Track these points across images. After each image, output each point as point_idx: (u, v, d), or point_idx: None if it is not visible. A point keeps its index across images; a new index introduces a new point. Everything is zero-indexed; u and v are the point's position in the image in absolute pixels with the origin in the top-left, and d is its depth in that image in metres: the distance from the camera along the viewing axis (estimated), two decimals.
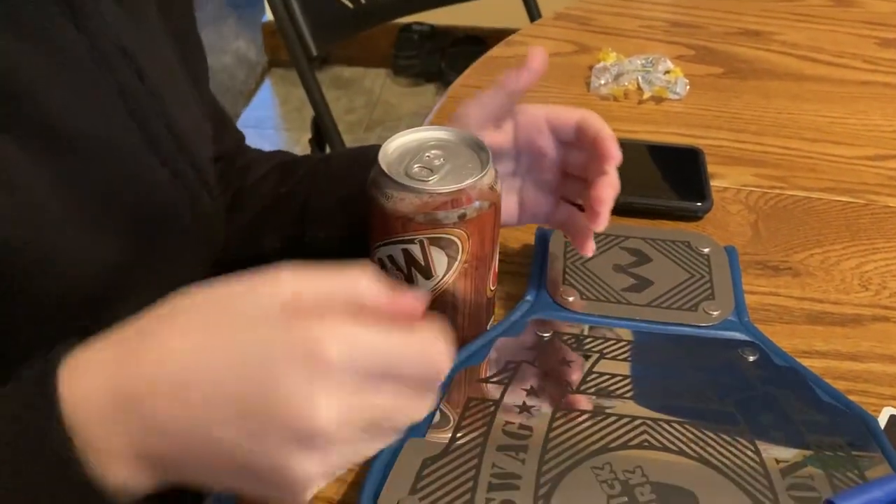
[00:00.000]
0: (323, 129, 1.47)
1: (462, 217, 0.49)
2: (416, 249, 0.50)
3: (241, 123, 2.28)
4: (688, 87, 0.89)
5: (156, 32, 0.55)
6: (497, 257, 0.55)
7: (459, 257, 0.51)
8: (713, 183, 0.76)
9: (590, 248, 0.56)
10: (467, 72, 0.95)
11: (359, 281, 0.34)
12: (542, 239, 0.65)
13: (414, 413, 0.34)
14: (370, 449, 0.34)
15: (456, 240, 0.50)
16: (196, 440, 0.33)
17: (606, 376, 0.52)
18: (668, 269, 0.62)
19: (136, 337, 0.34)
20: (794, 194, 0.75)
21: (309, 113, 1.39)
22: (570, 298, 0.59)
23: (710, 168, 0.77)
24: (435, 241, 0.50)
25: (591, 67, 0.92)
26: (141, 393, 0.33)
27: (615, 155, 0.54)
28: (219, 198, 0.57)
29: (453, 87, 0.92)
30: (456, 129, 0.53)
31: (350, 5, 1.43)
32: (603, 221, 0.54)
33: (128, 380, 0.33)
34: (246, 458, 0.32)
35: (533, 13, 1.49)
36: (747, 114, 0.86)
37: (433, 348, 0.34)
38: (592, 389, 0.51)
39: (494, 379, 0.52)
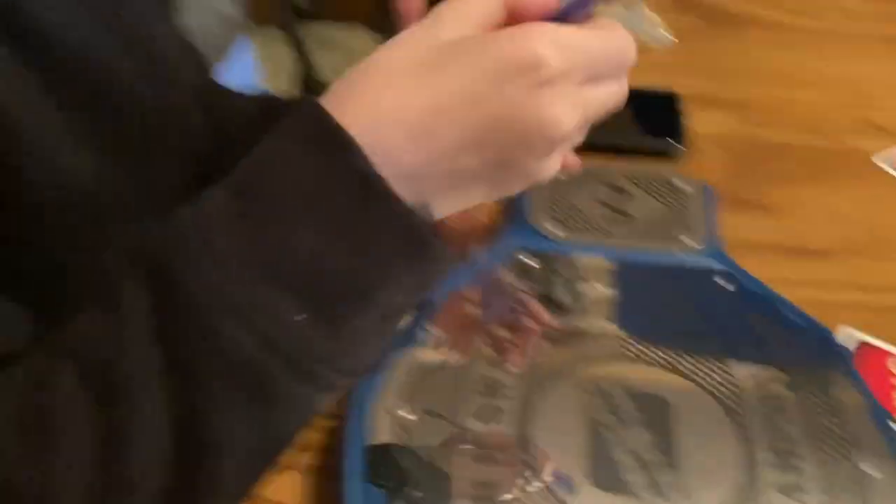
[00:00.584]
0: (312, 86, 1.48)
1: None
2: None
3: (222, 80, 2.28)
4: (668, 36, 0.91)
5: None
6: None
7: None
8: (692, 127, 0.78)
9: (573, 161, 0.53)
10: None
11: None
12: None
13: (620, 95, 0.39)
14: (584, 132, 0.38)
15: None
16: (445, 178, 0.35)
17: (587, 298, 0.55)
18: (647, 204, 0.65)
19: (360, 90, 0.35)
20: (769, 137, 0.78)
21: (287, 74, 1.39)
22: (553, 228, 0.62)
23: (690, 112, 0.80)
24: None
25: None
26: (387, 146, 0.34)
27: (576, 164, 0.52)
28: (207, 121, 0.58)
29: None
30: None
31: None
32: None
33: (372, 134, 0.34)
34: (499, 178, 0.36)
35: None
36: (729, 61, 0.89)
37: (626, 41, 0.38)
38: (573, 309, 0.54)
39: (480, 300, 0.54)
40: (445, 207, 0.36)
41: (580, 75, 0.35)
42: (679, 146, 0.74)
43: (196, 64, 0.62)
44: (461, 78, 0.34)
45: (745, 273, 0.59)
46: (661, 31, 0.91)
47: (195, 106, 0.56)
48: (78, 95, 0.46)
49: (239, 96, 0.70)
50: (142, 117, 0.51)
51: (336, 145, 0.33)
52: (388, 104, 0.34)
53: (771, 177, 0.73)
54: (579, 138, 0.38)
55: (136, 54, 0.51)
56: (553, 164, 0.37)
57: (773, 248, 0.65)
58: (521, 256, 0.59)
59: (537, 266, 0.58)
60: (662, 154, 0.74)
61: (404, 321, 0.44)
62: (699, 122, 0.79)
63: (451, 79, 0.34)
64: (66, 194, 0.46)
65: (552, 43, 0.34)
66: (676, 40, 0.91)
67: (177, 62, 0.55)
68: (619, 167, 0.70)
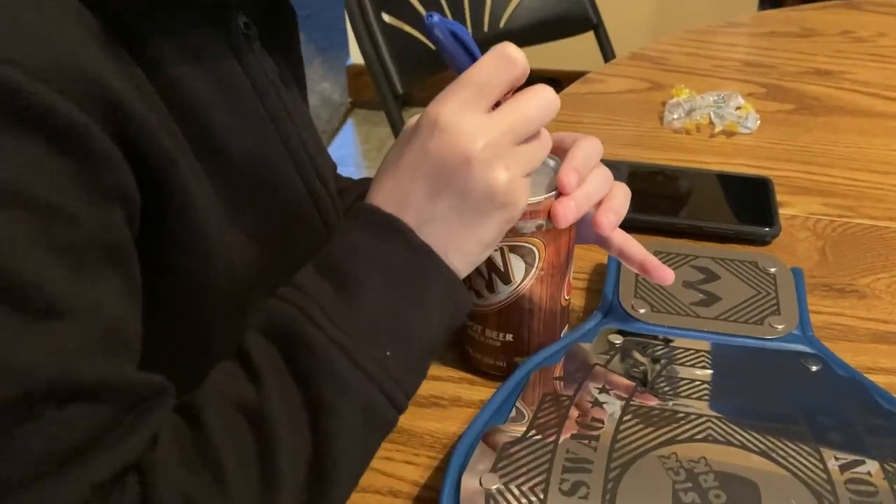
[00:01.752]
0: None
1: (539, 227, 0.54)
2: (496, 256, 0.55)
3: None
4: (758, 121, 0.92)
5: (285, 70, 0.63)
6: (571, 268, 0.59)
7: (536, 264, 0.56)
8: (782, 211, 0.79)
9: (669, 275, 0.59)
10: None
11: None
12: (615, 260, 0.68)
13: (545, 149, 0.50)
14: (537, 151, 0.49)
15: (533, 248, 0.55)
16: (442, 223, 0.47)
17: (675, 379, 0.56)
18: (735, 287, 0.65)
19: (380, 180, 0.49)
20: (862, 222, 0.77)
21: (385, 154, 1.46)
22: (642, 310, 0.63)
23: (779, 197, 0.80)
24: (514, 249, 0.55)
25: (664, 103, 0.96)
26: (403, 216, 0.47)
27: (667, 279, 0.58)
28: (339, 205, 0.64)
29: None
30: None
31: (433, 46, 1.51)
32: (668, 275, 0.58)
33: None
34: (478, 211, 0.47)
35: (607, 55, 1.55)
36: (816, 147, 0.89)
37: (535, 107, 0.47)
38: (661, 389, 0.55)
39: (568, 378, 0.56)
40: (465, 249, 0.48)
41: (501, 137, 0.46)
42: (771, 231, 0.75)
43: (328, 155, 0.68)
44: (407, 158, 0.47)
45: (837, 358, 0.59)
46: (752, 118, 0.92)
47: (331, 192, 0.61)
48: (247, 195, 0.54)
49: (348, 181, 0.77)
50: (297, 206, 0.58)
51: (393, 230, 0.46)
52: (389, 185, 0.48)
53: (862, 262, 0.72)
54: (519, 154, 0.47)
55: (295, 157, 0.58)
56: (503, 174, 0.46)
57: (866, 333, 0.65)
58: (610, 337, 0.60)
59: (626, 346, 0.60)
60: (755, 239, 0.75)
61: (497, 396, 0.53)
62: (791, 206, 0.80)
63: (402, 161, 0.47)
64: (226, 271, 0.51)
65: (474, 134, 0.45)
66: (767, 126, 0.92)
67: (320, 158, 0.61)
68: (709, 251, 0.70)
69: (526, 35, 1.61)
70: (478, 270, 0.57)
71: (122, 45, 0.45)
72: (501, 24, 1.62)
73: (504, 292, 0.57)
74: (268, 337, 0.44)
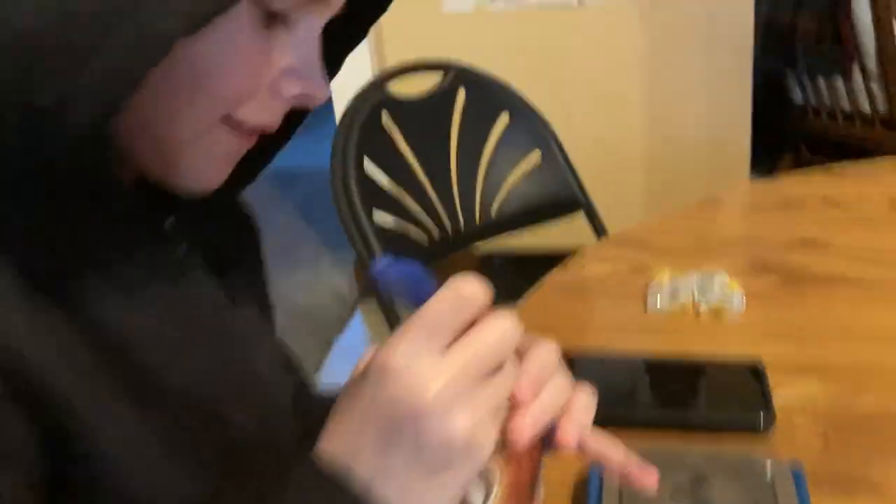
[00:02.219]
0: None
1: (496, 446, 0.50)
2: None
3: (335, 351, 2.38)
4: (744, 299, 0.89)
5: (242, 292, 0.60)
6: (539, 492, 0.54)
7: (496, 487, 0.51)
8: (777, 394, 0.73)
9: (652, 480, 0.54)
10: (532, 298, 0.97)
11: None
12: (596, 475, 0.63)
13: (511, 381, 0.45)
14: (500, 386, 0.45)
15: (492, 469, 0.50)
16: (398, 481, 0.42)
17: None
18: (730, 492, 0.60)
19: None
20: (865, 401, 0.72)
21: None
22: None
23: (773, 379, 0.75)
24: None
25: (647, 285, 0.94)
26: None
27: (653, 482, 0.53)
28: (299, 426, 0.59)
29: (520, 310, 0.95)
30: None
31: (425, 242, 1.52)
32: (652, 480, 0.53)
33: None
34: (428, 460, 0.42)
35: (599, 232, 1.55)
36: (809, 323, 0.85)
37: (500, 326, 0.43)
38: None
39: None
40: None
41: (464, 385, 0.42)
42: (766, 421, 0.69)
43: (293, 372, 0.64)
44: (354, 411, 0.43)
45: None
46: (737, 297, 0.89)
47: (293, 415, 0.57)
48: (190, 434, 0.50)
49: (326, 398, 0.73)
50: (247, 442, 0.53)
51: (341, 487, 0.42)
52: (340, 432, 0.44)
53: (869, 451, 0.66)
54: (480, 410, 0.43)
55: (243, 389, 0.54)
56: (463, 422, 0.41)
57: None
58: None
59: None
60: (749, 430, 0.69)
61: None
62: (785, 391, 0.75)
63: (351, 410, 0.43)
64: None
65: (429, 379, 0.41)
66: (755, 303, 0.89)
67: (277, 381, 0.58)
68: (697, 450, 0.65)
69: (517, 221, 1.62)
70: None
71: (39, 289, 0.44)
72: (493, 214, 1.64)
73: None
74: None
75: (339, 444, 0.43)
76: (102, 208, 0.46)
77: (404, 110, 1.56)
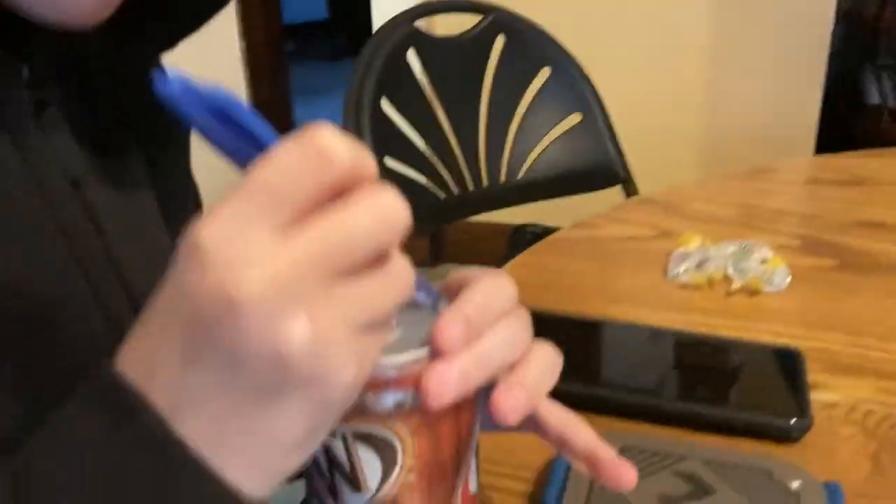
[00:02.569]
0: None
1: (401, 406, 0.34)
2: (338, 447, 0.35)
3: None
4: (789, 278, 0.72)
5: (130, 172, 0.48)
6: (471, 474, 0.39)
7: (401, 463, 0.35)
8: (817, 396, 0.57)
9: (630, 477, 0.39)
10: (530, 250, 0.82)
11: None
12: (563, 463, 0.48)
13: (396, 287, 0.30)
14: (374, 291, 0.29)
15: (393, 438, 0.35)
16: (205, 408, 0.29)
17: None
18: None
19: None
20: None
21: None
22: None
23: (814, 377, 0.59)
24: (364, 439, 0.35)
25: (669, 254, 0.77)
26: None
27: (628, 483, 0.38)
28: None
29: (512, 264, 0.79)
30: (434, 289, 0.39)
31: (440, 194, 1.38)
32: (628, 476, 0.38)
33: None
34: (248, 383, 0.28)
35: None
36: (868, 314, 0.68)
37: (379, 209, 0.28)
38: None
39: None
40: (251, 451, 0.29)
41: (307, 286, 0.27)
42: (799, 424, 0.53)
43: None
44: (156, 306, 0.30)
45: None
46: (780, 274, 0.72)
47: None
48: (20, 333, 0.39)
49: None
50: (89, 349, 0.41)
51: (126, 415, 0.29)
52: (138, 340, 0.30)
53: None
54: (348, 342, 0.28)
55: (95, 283, 0.43)
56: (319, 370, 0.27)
57: None
58: None
59: None
60: (776, 435, 0.53)
61: None
62: (830, 391, 0.58)
63: (155, 307, 0.30)
64: None
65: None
66: (800, 285, 0.72)
67: (147, 282, 0.45)
68: (703, 451, 0.49)
69: (547, 188, 1.48)
70: (318, 468, 0.37)
71: None
72: (520, 175, 1.49)
73: None
74: None
75: (134, 360, 0.29)
76: None
77: (434, 51, 1.41)
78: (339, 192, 0.29)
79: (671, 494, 0.45)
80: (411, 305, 0.37)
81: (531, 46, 1.49)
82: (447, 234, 2.48)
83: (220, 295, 0.26)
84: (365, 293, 0.29)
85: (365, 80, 1.32)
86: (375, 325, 0.30)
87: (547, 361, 0.38)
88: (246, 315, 0.26)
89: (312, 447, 0.31)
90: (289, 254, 0.27)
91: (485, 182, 1.46)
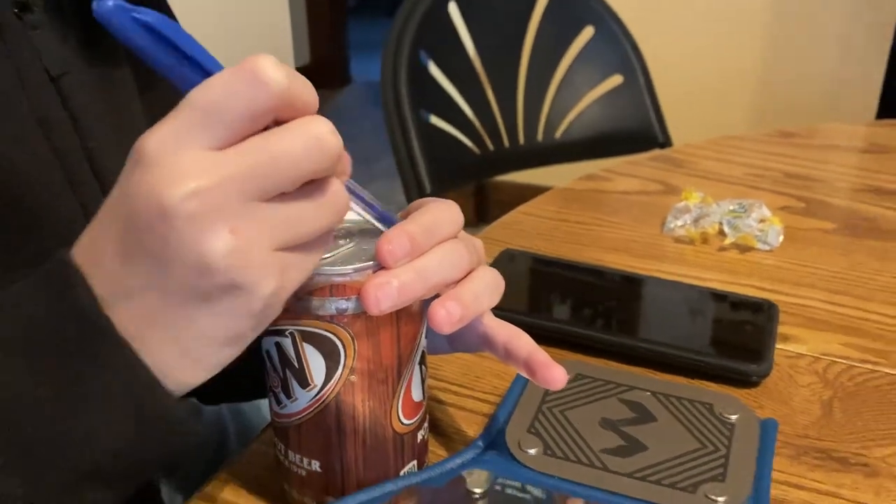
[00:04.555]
0: None
1: (342, 311, 0.38)
2: (287, 344, 0.39)
3: None
4: (781, 237, 0.73)
5: (117, 74, 0.51)
6: (414, 382, 0.42)
7: (343, 364, 0.39)
8: (786, 347, 0.59)
9: (558, 376, 0.42)
10: (536, 199, 0.84)
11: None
12: (522, 379, 0.51)
13: (328, 211, 0.33)
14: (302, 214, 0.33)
15: (335, 339, 0.39)
16: (134, 302, 0.32)
17: None
18: (672, 434, 0.47)
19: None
20: (891, 373, 0.57)
21: None
22: (531, 451, 0.45)
23: (788, 330, 0.61)
24: (309, 337, 0.39)
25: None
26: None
27: (555, 381, 0.41)
28: None
29: (516, 211, 0.82)
30: (390, 213, 0.42)
31: (476, 150, 1.40)
32: (558, 375, 0.41)
33: None
34: (177, 283, 0.31)
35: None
36: (853, 275, 0.69)
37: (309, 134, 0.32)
38: None
39: None
40: (182, 343, 0.33)
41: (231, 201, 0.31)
42: (759, 369, 0.55)
43: None
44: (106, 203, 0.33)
45: None
46: (773, 232, 0.73)
47: None
48: None
49: None
50: (65, 238, 0.44)
51: (61, 284, 0.32)
52: (91, 232, 0.34)
53: (883, 427, 0.52)
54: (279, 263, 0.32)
55: (71, 174, 0.46)
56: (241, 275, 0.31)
57: None
58: (469, 483, 0.43)
59: (484, 495, 0.42)
60: (738, 378, 0.55)
61: None
62: (799, 343, 0.60)
63: (106, 204, 0.33)
64: None
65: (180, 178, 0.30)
66: (794, 245, 0.73)
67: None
68: (652, 380, 0.52)
69: (584, 149, 1.48)
70: (272, 364, 0.41)
71: None
72: (557, 134, 1.50)
73: (303, 399, 0.40)
74: None
75: (85, 248, 0.33)
76: None
77: (476, 4, 1.42)
78: (276, 122, 0.32)
79: (613, 419, 0.48)
80: (368, 229, 0.41)
81: (575, 3, 1.49)
82: (491, 195, 2.50)
83: (152, 200, 0.30)
84: (292, 215, 0.32)
85: (403, 32, 1.34)
86: (303, 245, 0.33)
87: (487, 281, 0.41)
88: (173, 224, 0.30)
89: (241, 347, 0.34)
90: (217, 171, 0.30)
91: (521, 140, 1.48)
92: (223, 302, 0.32)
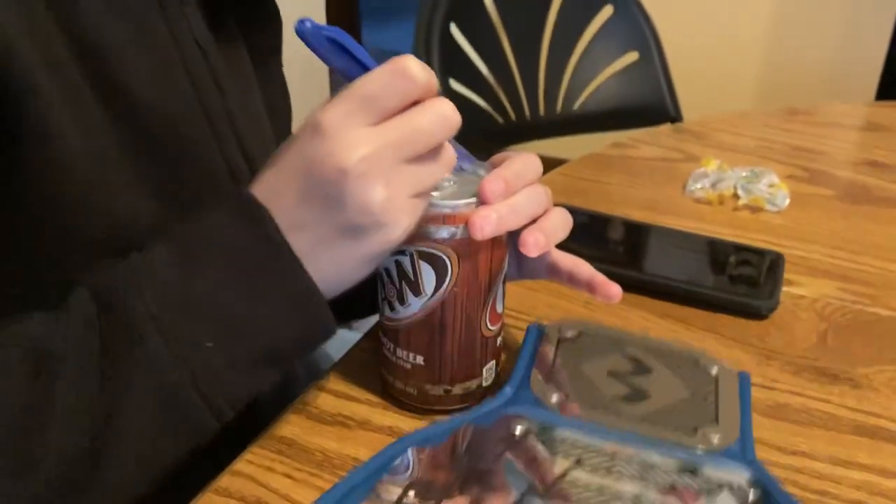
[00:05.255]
0: None
1: (453, 235, 0.49)
2: (406, 261, 0.50)
3: None
4: (787, 200, 0.84)
5: (239, 53, 0.61)
6: (499, 297, 0.53)
7: (449, 278, 0.50)
8: (790, 290, 0.70)
9: (616, 291, 0.54)
10: (571, 162, 0.95)
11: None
12: (535, 333, 0.60)
13: (443, 168, 0.45)
14: (431, 170, 0.45)
15: (445, 258, 0.49)
16: (307, 232, 0.43)
17: (579, 488, 0.48)
18: (669, 385, 0.56)
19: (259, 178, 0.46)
20: (878, 312, 0.68)
21: None
22: (554, 398, 0.54)
23: (792, 276, 0.72)
24: (424, 256, 0.50)
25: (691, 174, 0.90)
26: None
27: (614, 295, 0.54)
28: None
29: (554, 172, 0.92)
30: (483, 163, 0.53)
31: (499, 119, 1.49)
32: (615, 290, 0.53)
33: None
34: (342, 220, 0.43)
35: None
36: (849, 234, 0.80)
37: (439, 111, 0.43)
38: (560, 497, 0.47)
39: (452, 467, 0.48)
40: (336, 262, 0.45)
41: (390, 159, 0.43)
42: (767, 304, 0.66)
43: (270, 144, 0.64)
44: (284, 158, 0.44)
45: (776, 485, 0.48)
46: (781, 196, 0.84)
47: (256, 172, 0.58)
48: (157, 151, 0.51)
49: None
50: (212, 176, 0.55)
51: (254, 219, 0.43)
52: (267, 181, 0.45)
53: (867, 352, 0.63)
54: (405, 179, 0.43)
55: (215, 128, 0.55)
56: (377, 192, 0.42)
57: (849, 424, 0.55)
58: (511, 424, 0.51)
59: (528, 438, 0.51)
60: (749, 312, 0.67)
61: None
62: (801, 287, 0.71)
63: (284, 160, 0.44)
64: (103, 222, 0.48)
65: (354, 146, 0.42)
66: (798, 207, 0.84)
67: (251, 139, 0.58)
68: (647, 338, 0.61)
69: (600, 121, 1.57)
70: (390, 278, 0.52)
71: None
72: (575, 106, 1.59)
73: (415, 305, 0.51)
74: (94, 295, 0.42)
75: (265, 191, 0.44)
76: None
77: None
78: (415, 101, 0.43)
79: (618, 371, 0.57)
80: (466, 173, 0.51)
81: None
82: None
83: (332, 161, 0.41)
84: (423, 171, 0.44)
85: (436, 5, 1.42)
86: (425, 193, 0.45)
87: (560, 219, 0.52)
88: (347, 180, 0.41)
89: (371, 268, 0.46)
90: (376, 141, 0.42)
91: (541, 111, 1.57)
92: (373, 235, 0.43)
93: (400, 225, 0.43)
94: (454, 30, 1.42)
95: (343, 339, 0.81)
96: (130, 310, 0.41)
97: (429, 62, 1.41)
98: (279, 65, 0.69)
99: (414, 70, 0.42)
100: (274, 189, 0.44)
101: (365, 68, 0.43)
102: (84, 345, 0.41)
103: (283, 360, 0.46)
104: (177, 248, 0.44)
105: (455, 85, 1.43)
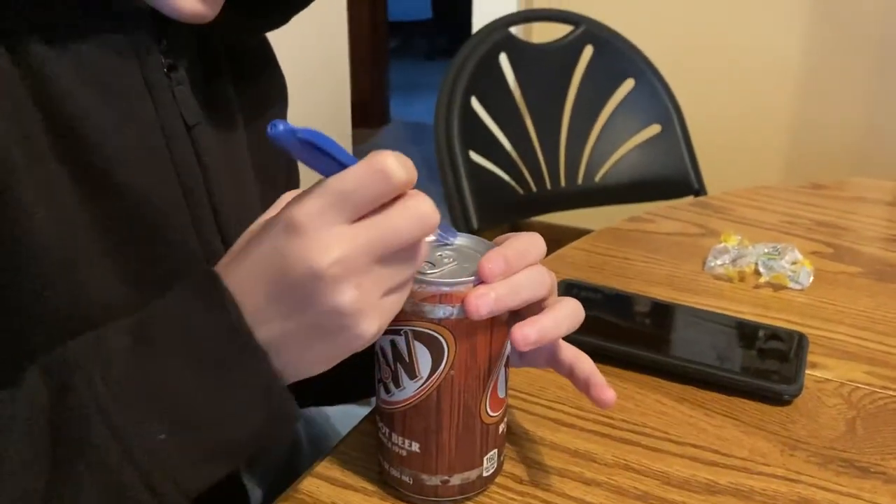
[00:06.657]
0: None
1: (448, 315, 0.46)
2: (401, 341, 0.47)
3: None
4: (811, 278, 0.81)
5: (230, 116, 0.60)
6: (500, 381, 0.50)
7: (445, 360, 0.47)
8: (814, 373, 0.67)
9: (609, 397, 0.50)
10: (588, 236, 0.93)
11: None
12: None
13: (415, 265, 0.43)
14: (402, 269, 0.42)
15: (441, 339, 0.47)
16: (276, 331, 0.41)
17: None
18: None
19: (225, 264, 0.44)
20: None
21: None
22: None
23: (817, 359, 0.68)
24: (419, 336, 0.47)
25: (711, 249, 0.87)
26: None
27: (607, 402, 0.51)
28: None
29: (570, 247, 0.90)
30: (484, 240, 0.51)
31: (520, 190, 1.48)
32: (609, 396, 0.50)
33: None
34: (312, 320, 0.41)
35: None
36: (878, 314, 0.77)
37: (418, 210, 0.41)
38: None
39: None
40: (301, 358, 0.42)
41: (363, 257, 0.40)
42: (790, 389, 0.63)
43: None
44: (255, 250, 0.42)
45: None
46: (804, 273, 0.81)
47: None
48: (132, 234, 0.50)
49: None
50: (185, 260, 0.53)
51: (219, 304, 0.41)
52: (236, 269, 0.42)
53: (894, 446, 0.59)
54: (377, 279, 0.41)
55: (194, 209, 0.54)
56: (348, 299, 0.40)
57: None
58: None
59: None
60: (772, 397, 0.63)
61: None
62: (826, 370, 0.67)
63: (255, 253, 0.42)
64: (70, 303, 0.47)
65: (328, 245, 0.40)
66: (823, 285, 0.81)
67: (233, 220, 0.56)
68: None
69: (621, 193, 1.56)
70: (385, 359, 0.49)
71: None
72: (597, 178, 1.58)
73: (410, 389, 0.49)
74: (47, 373, 0.41)
75: (231, 281, 0.42)
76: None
77: (524, 56, 1.51)
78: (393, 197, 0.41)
79: None
80: (467, 251, 0.49)
81: (618, 57, 1.57)
82: None
83: (305, 263, 0.39)
84: (395, 271, 0.42)
85: (458, 78, 1.43)
86: (397, 289, 0.43)
87: (566, 313, 0.49)
88: (319, 283, 0.39)
89: (330, 366, 0.43)
90: (351, 243, 0.40)
91: (562, 183, 1.56)
92: (341, 336, 0.41)
93: (370, 327, 0.41)
94: (475, 103, 1.43)
95: (350, 415, 0.79)
96: (79, 397, 0.39)
97: (449, 134, 1.41)
98: (280, 117, 0.68)
99: (392, 168, 0.39)
100: (242, 282, 0.41)
101: (343, 166, 0.41)
102: (33, 433, 0.39)
103: (241, 453, 0.44)
104: (133, 327, 0.42)
105: (475, 157, 1.42)
